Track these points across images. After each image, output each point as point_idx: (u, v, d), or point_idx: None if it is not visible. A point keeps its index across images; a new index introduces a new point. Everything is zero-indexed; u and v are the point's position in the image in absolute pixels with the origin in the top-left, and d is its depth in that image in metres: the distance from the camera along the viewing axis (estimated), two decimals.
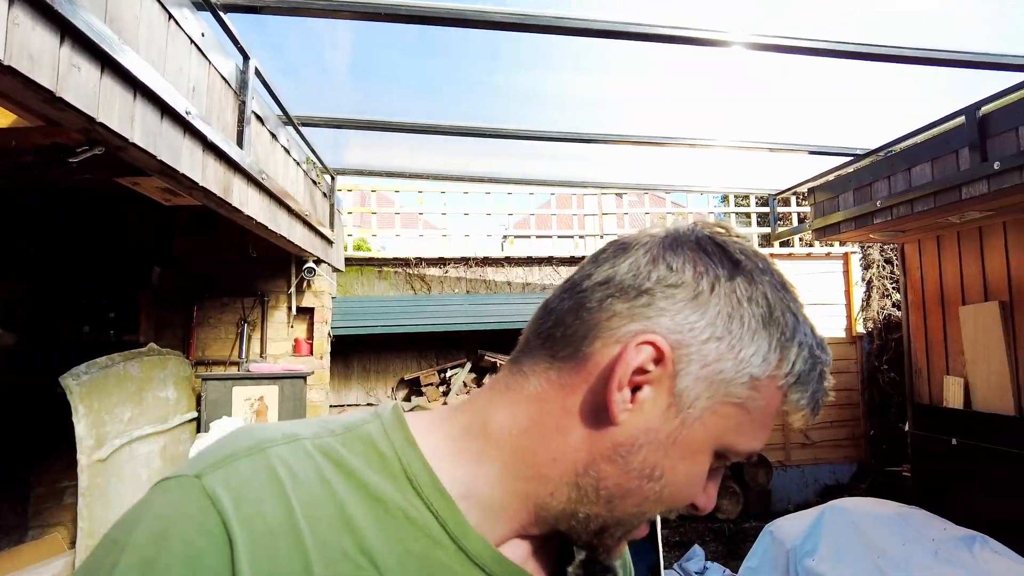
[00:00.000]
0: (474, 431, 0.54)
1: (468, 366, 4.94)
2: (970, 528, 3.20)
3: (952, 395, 3.68)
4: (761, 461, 5.02)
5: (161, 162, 1.89)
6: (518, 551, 0.55)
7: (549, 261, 5.21)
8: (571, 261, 5.21)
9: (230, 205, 2.46)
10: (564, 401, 0.52)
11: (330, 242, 4.23)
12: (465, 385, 4.86)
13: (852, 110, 3.04)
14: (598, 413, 0.50)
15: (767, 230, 5.82)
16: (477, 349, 4.99)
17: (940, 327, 3.89)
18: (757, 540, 3.89)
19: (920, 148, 3.13)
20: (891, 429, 5.25)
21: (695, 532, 4.72)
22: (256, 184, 2.72)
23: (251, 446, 0.48)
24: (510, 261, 5.18)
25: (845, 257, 5.60)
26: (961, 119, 2.83)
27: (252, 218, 2.71)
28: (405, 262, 5.13)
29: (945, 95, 2.89)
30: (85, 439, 2.59)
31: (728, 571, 4.00)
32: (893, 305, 5.44)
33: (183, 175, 2.04)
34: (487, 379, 4.85)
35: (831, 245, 5.55)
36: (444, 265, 5.15)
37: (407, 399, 4.97)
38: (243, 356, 3.94)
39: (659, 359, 0.49)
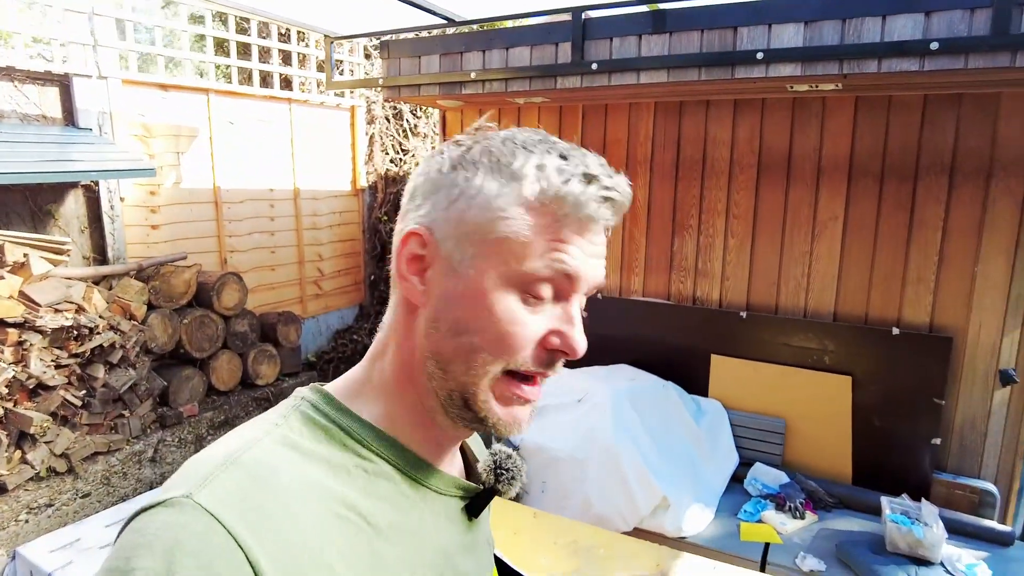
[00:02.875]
0: (377, 378, 0.62)
1: None
2: None
3: None
4: (291, 318, 4.92)
5: None
6: (454, 466, 0.69)
7: (8, 75, 3.37)
8: (48, 78, 3.52)
9: None
10: (398, 312, 0.63)
11: None
12: None
13: None
14: (411, 307, 0.61)
15: (291, 70, 5.27)
16: None
17: None
18: None
19: (521, 33, 3.44)
20: (387, 274, 5.88)
21: (239, 405, 4.37)
22: None
23: (222, 461, 0.51)
24: None
25: (351, 110, 5.65)
26: (567, 16, 3.26)
27: None
28: None
29: None
30: None
31: None
32: (391, 161, 5.90)
33: None
34: None
35: (341, 96, 5.48)
36: None
37: None
38: None
39: (424, 242, 0.60)
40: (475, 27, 3.69)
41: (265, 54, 5.23)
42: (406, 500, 0.59)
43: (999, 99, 3.05)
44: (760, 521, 3.17)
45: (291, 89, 5.22)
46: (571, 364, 3.82)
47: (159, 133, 4.18)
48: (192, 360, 4.21)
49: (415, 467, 0.60)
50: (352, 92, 5.46)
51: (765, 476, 3.44)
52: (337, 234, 5.72)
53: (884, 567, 2.73)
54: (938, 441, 3.24)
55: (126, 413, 3.74)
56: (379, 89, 3.95)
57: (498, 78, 3.51)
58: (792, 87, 3.14)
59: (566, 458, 3.28)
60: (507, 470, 0.69)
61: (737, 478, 3.49)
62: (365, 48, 5.72)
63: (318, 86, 5.40)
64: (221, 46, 4.82)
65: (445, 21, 3.56)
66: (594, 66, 3.21)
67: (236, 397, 4.43)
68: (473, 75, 3.56)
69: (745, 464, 3.54)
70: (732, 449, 3.58)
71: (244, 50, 4.99)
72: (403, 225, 0.62)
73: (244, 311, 4.49)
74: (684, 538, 3.04)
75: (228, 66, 4.63)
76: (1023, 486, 3.37)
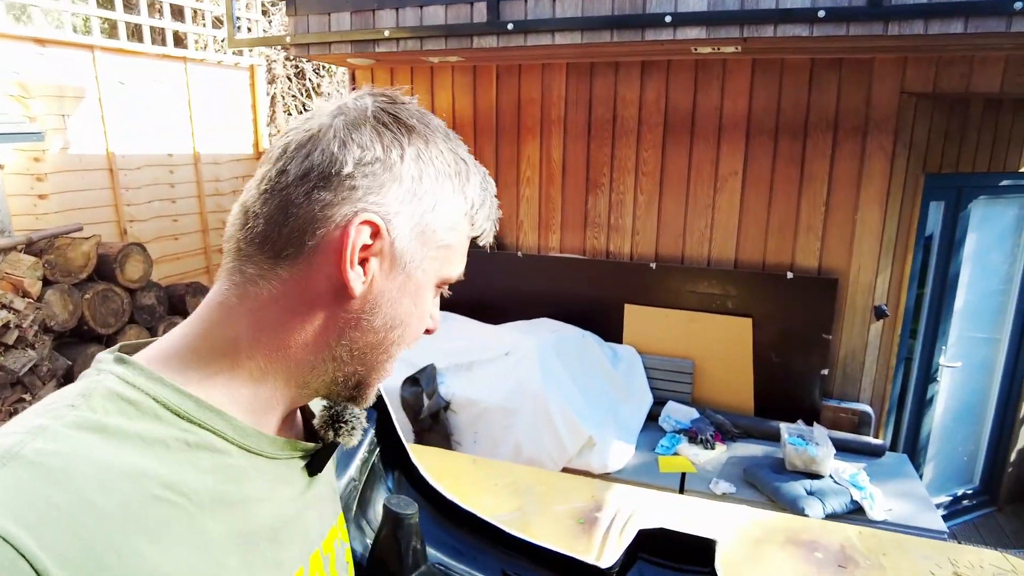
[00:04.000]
0: (223, 350, 0.56)
1: None
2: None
3: None
4: (199, 289, 4.71)
5: None
6: (284, 425, 0.64)
7: None
8: None
9: None
10: (303, 293, 0.56)
11: None
12: None
13: None
14: (337, 293, 0.57)
15: (185, 26, 4.92)
16: None
17: None
18: None
19: None
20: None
21: None
22: None
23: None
24: None
25: (251, 69, 5.34)
26: None
27: None
28: None
29: None
30: None
31: None
32: None
33: None
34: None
35: (240, 55, 5.18)
36: None
37: None
38: None
39: (376, 232, 0.57)
40: None
41: (155, 10, 4.86)
42: (234, 470, 0.54)
43: (872, 64, 3.38)
44: (676, 454, 3.46)
45: (186, 47, 4.89)
46: (494, 319, 3.95)
47: (39, 93, 3.83)
48: (98, 337, 3.98)
49: (242, 435, 0.55)
50: (251, 50, 5.19)
51: (677, 413, 3.74)
52: None
53: (784, 483, 3.08)
54: (826, 372, 3.65)
55: (27, 397, 3.51)
56: (284, 47, 3.81)
57: (413, 36, 3.48)
58: (696, 49, 3.33)
59: (496, 408, 3.42)
60: (346, 422, 0.65)
61: (652, 416, 3.78)
62: (263, 3, 5.43)
63: (215, 44, 5.09)
64: None
65: None
66: (510, 26, 3.26)
67: None
68: (387, 33, 3.51)
69: (659, 403, 3.83)
70: (646, 390, 3.86)
71: (131, 5, 4.62)
72: (349, 207, 0.55)
73: (150, 283, 4.27)
74: (609, 474, 3.28)
75: (115, 21, 4.27)
76: (891, 406, 3.87)
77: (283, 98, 5.75)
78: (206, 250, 5.19)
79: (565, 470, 3.31)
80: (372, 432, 1.54)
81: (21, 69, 3.73)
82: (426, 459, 2.74)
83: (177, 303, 4.59)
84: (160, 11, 4.78)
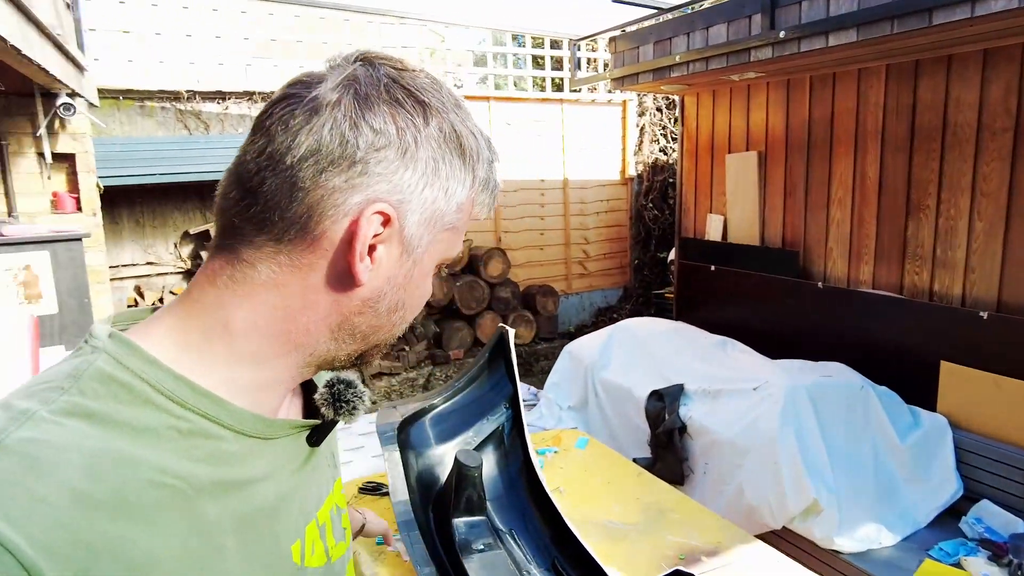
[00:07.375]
0: (216, 333, 0.53)
1: None
2: (722, 335, 4.03)
3: (713, 230, 4.43)
4: (549, 291, 5.60)
5: None
6: (291, 403, 0.63)
7: None
8: None
9: None
10: (305, 280, 0.54)
11: (82, 69, 3.41)
12: None
13: None
14: (342, 280, 0.54)
15: (560, 73, 6.00)
16: None
17: (708, 172, 4.55)
18: (557, 360, 4.44)
19: (718, 10, 3.41)
20: (651, 258, 6.17)
21: None
22: None
23: None
24: None
25: (623, 104, 6.07)
26: None
27: (5, 39, 2.07)
28: (175, 95, 4.34)
29: None
30: None
31: (532, 388, 4.56)
32: (660, 150, 6.14)
33: None
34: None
35: (612, 92, 5.95)
36: (223, 99, 4.48)
37: (195, 256, 4.49)
38: None
39: (387, 221, 0.53)
40: (687, 10, 3.73)
41: (536, 63, 5.98)
42: (230, 455, 0.53)
43: None
44: (957, 565, 2.61)
45: (563, 91, 5.86)
46: (777, 354, 3.60)
47: None
48: (462, 315, 5.21)
49: (239, 420, 0.53)
50: (622, 88, 5.84)
51: (992, 518, 2.77)
52: (603, 220, 6.20)
53: None
54: None
55: (406, 348, 4.90)
56: (609, 81, 4.28)
57: (698, 58, 3.53)
58: None
59: (727, 443, 3.19)
60: (347, 401, 0.62)
61: (957, 512, 2.88)
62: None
63: (589, 87, 5.92)
64: (494, 59, 5.71)
65: (654, 11, 3.71)
66: (781, 34, 3.03)
67: None
68: (678, 58, 3.65)
69: (971, 498, 2.89)
70: (952, 476, 2.95)
71: (517, 61, 5.83)
72: (360, 195, 0.52)
73: (507, 280, 5.32)
74: (838, 553, 2.72)
75: (505, 76, 5.49)
76: None
77: (652, 129, 6.20)
78: (567, 260, 6.06)
79: (785, 531, 2.88)
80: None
81: None
82: (601, 455, 2.84)
83: (530, 300, 5.56)
84: (542, 64, 5.86)
